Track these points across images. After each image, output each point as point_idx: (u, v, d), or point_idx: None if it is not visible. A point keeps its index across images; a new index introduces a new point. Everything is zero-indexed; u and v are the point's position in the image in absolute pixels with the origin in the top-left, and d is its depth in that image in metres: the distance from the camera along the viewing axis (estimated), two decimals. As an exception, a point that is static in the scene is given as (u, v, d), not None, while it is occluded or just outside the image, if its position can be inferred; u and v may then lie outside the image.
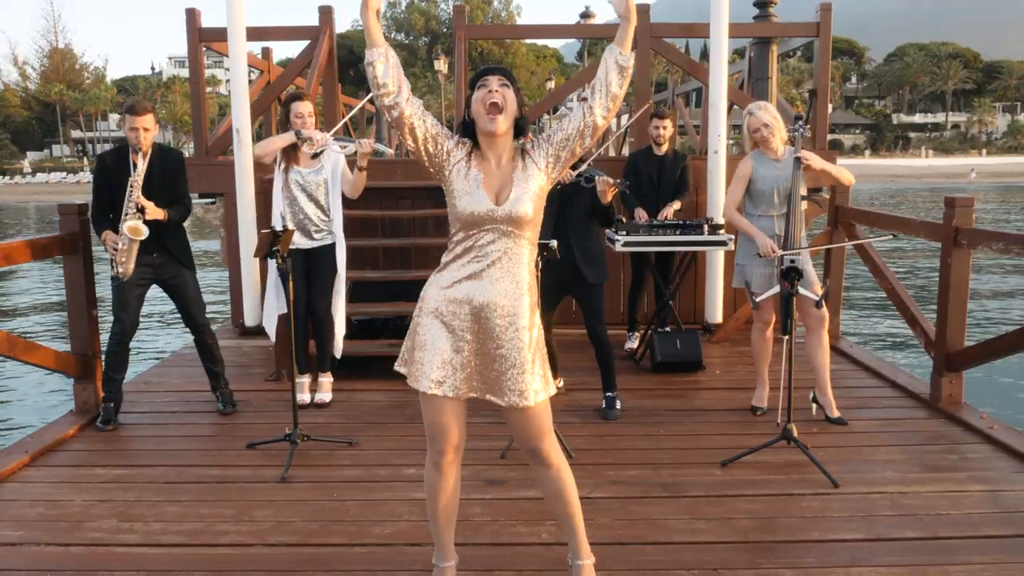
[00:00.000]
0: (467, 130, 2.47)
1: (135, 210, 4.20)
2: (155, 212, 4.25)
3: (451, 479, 2.58)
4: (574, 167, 4.41)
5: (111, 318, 4.40)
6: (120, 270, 4.25)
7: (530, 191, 2.41)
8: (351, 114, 4.85)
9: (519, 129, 2.47)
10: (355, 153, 4.51)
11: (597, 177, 4.22)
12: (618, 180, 4.24)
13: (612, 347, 4.64)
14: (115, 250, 4.23)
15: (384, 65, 2.34)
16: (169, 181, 4.40)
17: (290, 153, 4.65)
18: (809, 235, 4.82)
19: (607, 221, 4.52)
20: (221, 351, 4.83)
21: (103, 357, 4.48)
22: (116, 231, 4.27)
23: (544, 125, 25.89)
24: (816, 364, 4.40)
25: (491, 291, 2.41)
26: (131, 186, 4.22)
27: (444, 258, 2.51)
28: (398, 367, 2.58)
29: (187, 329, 4.75)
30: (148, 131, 4.28)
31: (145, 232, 4.21)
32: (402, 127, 2.39)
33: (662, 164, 5.85)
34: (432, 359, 2.44)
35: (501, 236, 2.41)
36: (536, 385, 2.44)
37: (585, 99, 2.44)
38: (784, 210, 4.29)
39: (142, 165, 4.25)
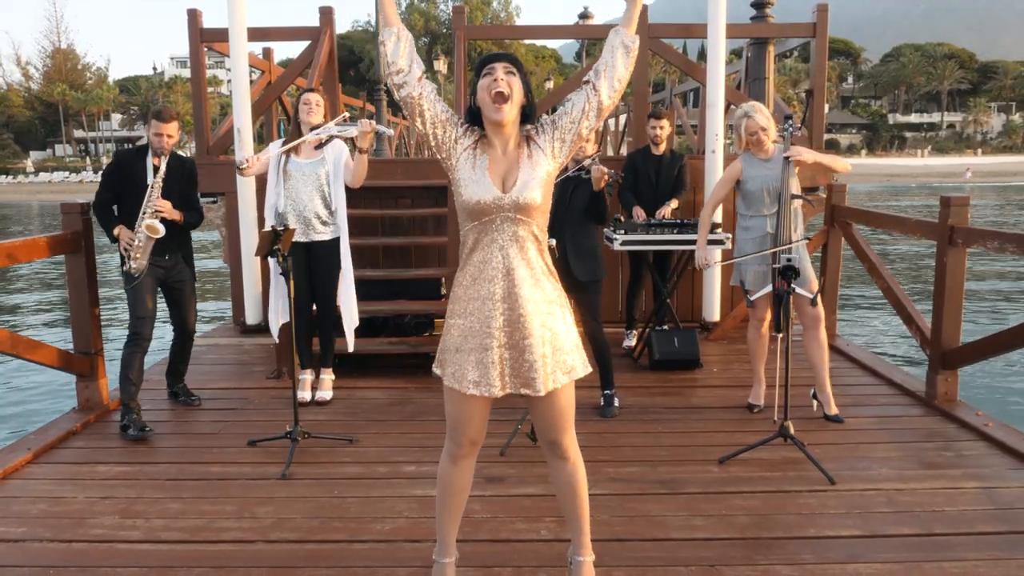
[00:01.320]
0: (473, 117, 2.44)
1: (154, 210, 4.30)
2: (172, 213, 4.37)
3: (465, 473, 2.60)
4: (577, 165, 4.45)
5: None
6: (134, 265, 4.30)
7: (537, 177, 2.38)
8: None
9: (526, 116, 2.44)
10: (356, 136, 4.51)
11: (592, 165, 4.26)
12: (612, 171, 4.27)
13: (609, 345, 4.66)
14: (129, 246, 4.30)
15: (395, 44, 2.36)
16: (185, 188, 4.53)
17: (291, 145, 4.69)
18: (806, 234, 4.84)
19: (600, 215, 4.44)
20: (222, 349, 4.86)
21: (122, 360, 4.37)
22: (126, 226, 4.34)
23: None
24: (814, 362, 4.42)
25: (510, 281, 2.38)
26: (151, 187, 4.32)
27: (460, 253, 2.49)
28: (435, 369, 2.56)
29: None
30: (171, 138, 4.42)
31: (162, 231, 4.30)
32: (412, 108, 2.39)
33: (660, 163, 5.88)
34: (467, 359, 2.43)
35: (510, 224, 2.37)
36: (573, 362, 2.46)
37: (588, 81, 2.43)
38: (775, 209, 4.32)
39: (163, 169, 4.36)
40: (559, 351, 2.44)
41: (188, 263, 4.66)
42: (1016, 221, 28.41)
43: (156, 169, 4.36)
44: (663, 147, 5.89)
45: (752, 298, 4.30)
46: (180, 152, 4.74)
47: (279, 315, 4.85)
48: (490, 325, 2.40)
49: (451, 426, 2.53)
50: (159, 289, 4.57)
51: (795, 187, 4.28)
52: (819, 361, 4.41)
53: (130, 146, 4.56)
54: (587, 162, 4.33)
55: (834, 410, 4.41)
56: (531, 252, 2.41)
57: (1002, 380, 8.39)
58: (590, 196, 4.36)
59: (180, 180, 4.50)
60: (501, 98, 2.33)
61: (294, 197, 4.65)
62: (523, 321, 2.38)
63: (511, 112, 2.36)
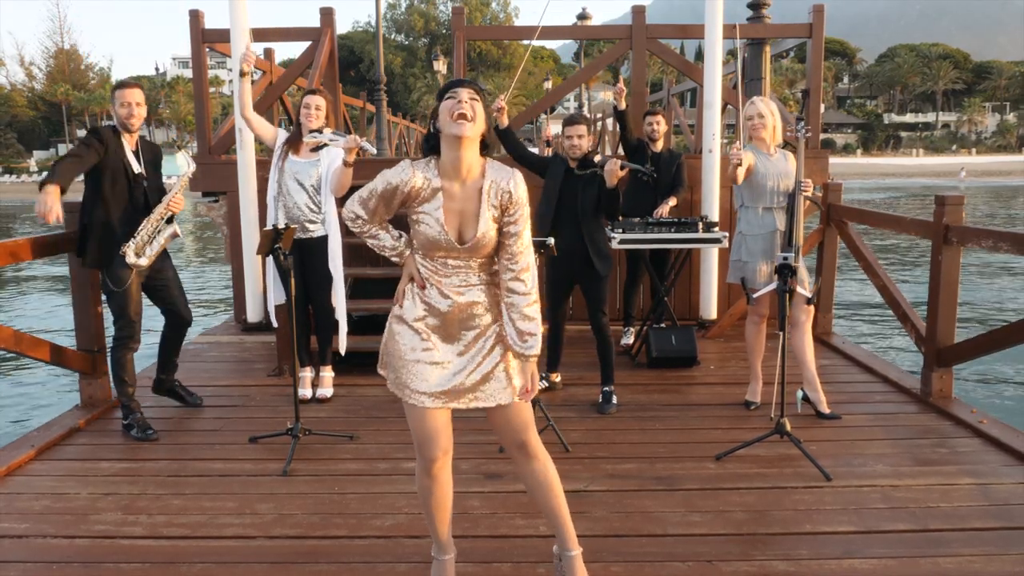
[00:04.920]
0: (430, 142, 2.43)
1: (170, 214, 4.26)
2: (179, 205, 4.32)
3: (443, 482, 2.58)
4: (588, 163, 4.50)
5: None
6: (142, 262, 4.19)
7: (493, 227, 2.42)
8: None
9: (485, 147, 2.42)
10: (344, 148, 4.55)
11: (609, 158, 4.36)
12: (644, 167, 4.33)
13: (612, 341, 4.74)
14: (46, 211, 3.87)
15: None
16: (154, 171, 4.39)
17: (292, 143, 4.73)
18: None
19: (612, 210, 4.54)
20: (224, 347, 4.86)
21: (115, 363, 4.34)
22: (107, 220, 4.21)
23: (542, 124, 25.86)
24: (804, 358, 4.44)
25: (459, 302, 2.45)
26: (174, 190, 4.27)
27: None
28: (380, 370, 2.62)
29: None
30: (140, 106, 4.14)
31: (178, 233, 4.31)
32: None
33: (657, 161, 5.90)
34: (411, 369, 2.47)
35: (462, 257, 2.44)
36: (513, 382, 2.48)
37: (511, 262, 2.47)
38: (784, 203, 4.37)
39: (190, 167, 4.39)
40: (501, 371, 2.48)
41: (165, 258, 4.47)
42: (1007, 218, 28.46)
43: (136, 153, 4.19)
44: (660, 144, 5.92)
45: (755, 295, 4.32)
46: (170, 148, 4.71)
47: (273, 296, 4.90)
48: (438, 340, 2.49)
49: (417, 440, 2.52)
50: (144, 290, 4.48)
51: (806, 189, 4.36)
52: (810, 357, 4.44)
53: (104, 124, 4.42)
54: (599, 158, 4.41)
55: (827, 409, 4.44)
56: (483, 279, 2.48)
57: (997, 377, 8.43)
58: (606, 193, 4.43)
59: (150, 163, 4.34)
60: (464, 117, 2.32)
61: (286, 194, 4.70)
62: (469, 341, 2.47)
63: (472, 130, 2.32)
